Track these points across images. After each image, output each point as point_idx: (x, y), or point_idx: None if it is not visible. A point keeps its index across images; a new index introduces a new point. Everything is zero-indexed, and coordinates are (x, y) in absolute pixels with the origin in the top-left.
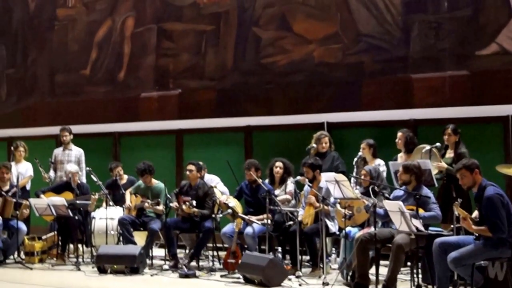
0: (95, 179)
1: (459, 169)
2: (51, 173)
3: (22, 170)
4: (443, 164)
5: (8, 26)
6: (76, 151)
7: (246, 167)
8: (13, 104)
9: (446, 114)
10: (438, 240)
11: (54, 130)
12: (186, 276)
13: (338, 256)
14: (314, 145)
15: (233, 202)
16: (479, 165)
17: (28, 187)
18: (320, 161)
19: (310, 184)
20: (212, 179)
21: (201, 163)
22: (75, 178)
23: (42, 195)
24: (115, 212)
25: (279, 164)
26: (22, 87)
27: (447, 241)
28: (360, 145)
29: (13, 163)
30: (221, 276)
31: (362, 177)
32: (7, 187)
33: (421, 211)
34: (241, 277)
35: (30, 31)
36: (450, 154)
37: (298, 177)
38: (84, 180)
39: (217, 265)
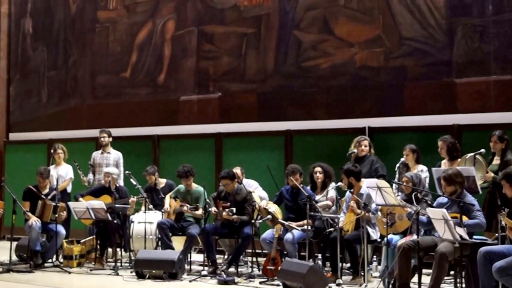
0: (134, 182)
1: (501, 179)
2: (90, 176)
3: (62, 173)
4: (490, 175)
5: (49, 29)
6: (115, 155)
7: (291, 172)
8: (54, 106)
9: (491, 120)
10: (483, 249)
11: (95, 132)
12: (225, 282)
13: (379, 264)
14: (355, 150)
15: (273, 208)
16: None
17: (69, 189)
18: (355, 168)
19: (351, 190)
20: (250, 184)
21: (238, 168)
22: (114, 181)
23: (81, 199)
24: (154, 216)
25: (318, 169)
26: (63, 89)
27: (492, 250)
28: (403, 151)
29: (53, 166)
30: (260, 282)
31: (404, 183)
32: (46, 191)
33: (465, 218)
34: (280, 284)
35: (71, 33)
36: (496, 161)
37: (340, 183)
38: (122, 183)
39: (256, 271)
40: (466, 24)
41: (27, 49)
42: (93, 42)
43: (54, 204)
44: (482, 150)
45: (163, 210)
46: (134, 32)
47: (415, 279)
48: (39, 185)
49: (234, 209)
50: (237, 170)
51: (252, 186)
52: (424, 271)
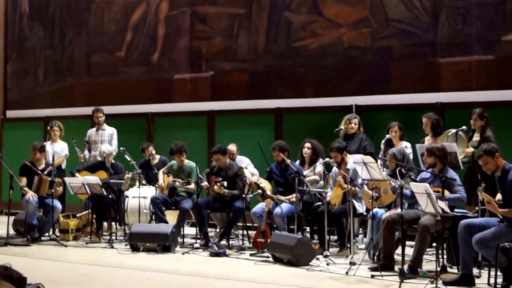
0: (128, 158)
1: (480, 156)
2: (86, 152)
3: (57, 150)
4: (469, 150)
5: (45, 8)
6: (109, 130)
7: (271, 148)
8: (50, 85)
9: (473, 98)
10: (463, 221)
11: (90, 110)
12: (216, 254)
13: (365, 236)
14: (343, 127)
15: (264, 183)
16: (498, 149)
17: (63, 166)
18: (344, 143)
19: (338, 166)
20: (242, 161)
21: (234, 145)
22: (110, 159)
23: (77, 174)
24: (148, 191)
25: (307, 145)
26: (59, 68)
27: (472, 223)
28: (388, 128)
29: (49, 143)
30: (251, 254)
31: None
32: (42, 166)
33: (446, 193)
34: (270, 256)
35: (67, 13)
36: (476, 137)
37: (328, 159)
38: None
39: (247, 244)
40: (450, 6)
41: (24, 28)
42: (88, 22)
43: (50, 179)
44: (464, 127)
45: (157, 185)
46: (129, 12)
47: (398, 250)
48: (33, 159)
49: (225, 183)
50: (233, 147)
51: (244, 162)
52: (407, 243)
